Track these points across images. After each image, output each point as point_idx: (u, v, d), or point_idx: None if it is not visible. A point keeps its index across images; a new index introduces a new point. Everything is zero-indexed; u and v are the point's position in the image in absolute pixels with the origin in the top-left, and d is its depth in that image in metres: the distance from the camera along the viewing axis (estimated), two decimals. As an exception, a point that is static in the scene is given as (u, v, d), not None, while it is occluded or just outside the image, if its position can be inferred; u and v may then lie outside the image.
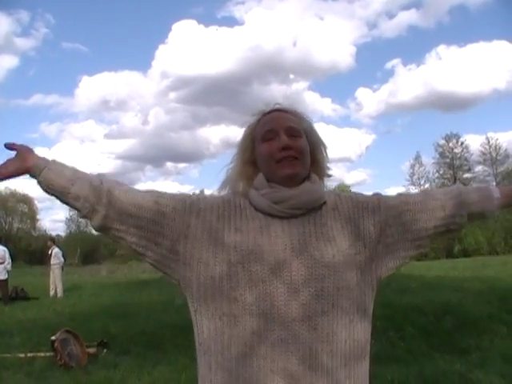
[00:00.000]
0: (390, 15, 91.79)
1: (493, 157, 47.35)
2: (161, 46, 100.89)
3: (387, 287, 8.50)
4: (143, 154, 78.99)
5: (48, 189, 1.24)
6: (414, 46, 78.51)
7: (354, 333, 1.19)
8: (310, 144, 1.31)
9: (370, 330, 1.25)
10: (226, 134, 71.44)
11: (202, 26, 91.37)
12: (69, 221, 57.66)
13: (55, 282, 13.67)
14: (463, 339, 6.17)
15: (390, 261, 1.29)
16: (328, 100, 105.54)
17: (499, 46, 66.58)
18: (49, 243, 15.14)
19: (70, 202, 1.25)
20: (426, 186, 47.60)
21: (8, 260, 12.53)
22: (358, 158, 78.94)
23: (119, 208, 1.24)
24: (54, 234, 50.63)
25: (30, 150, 1.26)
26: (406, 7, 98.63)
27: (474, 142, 65.65)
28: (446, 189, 1.42)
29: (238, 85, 76.45)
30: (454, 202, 1.34)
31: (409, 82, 72.63)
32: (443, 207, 1.33)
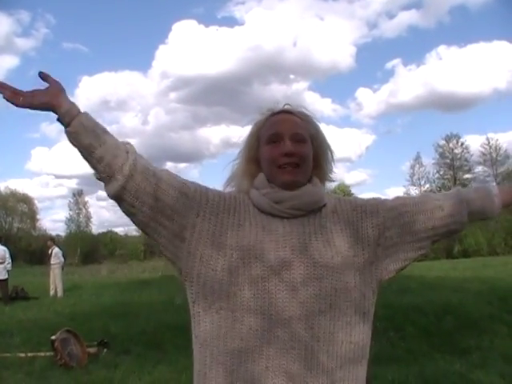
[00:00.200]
0: (390, 15, 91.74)
1: (493, 157, 47.29)
2: (161, 46, 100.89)
3: (388, 288, 8.44)
4: (143, 154, 76.48)
5: (74, 141, 1.18)
6: (414, 46, 78.69)
7: (351, 335, 1.19)
8: (315, 148, 1.32)
9: (370, 335, 1.25)
10: (226, 134, 71.76)
11: (202, 26, 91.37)
12: (69, 221, 57.70)
13: (55, 282, 13.66)
14: (464, 339, 6.17)
15: (390, 263, 1.29)
16: (328, 100, 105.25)
17: (499, 46, 66.55)
18: (49, 243, 15.11)
19: (92, 162, 1.19)
20: (426, 186, 47.69)
21: (8, 260, 12.52)
22: (358, 158, 79.08)
23: (138, 184, 1.19)
24: (53, 233, 50.67)
25: (62, 90, 1.20)
26: (406, 7, 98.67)
27: (474, 143, 65.60)
28: (445, 192, 1.44)
29: (238, 85, 76.68)
30: (452, 202, 1.34)
31: (409, 82, 72.71)
32: (441, 207, 1.33)
